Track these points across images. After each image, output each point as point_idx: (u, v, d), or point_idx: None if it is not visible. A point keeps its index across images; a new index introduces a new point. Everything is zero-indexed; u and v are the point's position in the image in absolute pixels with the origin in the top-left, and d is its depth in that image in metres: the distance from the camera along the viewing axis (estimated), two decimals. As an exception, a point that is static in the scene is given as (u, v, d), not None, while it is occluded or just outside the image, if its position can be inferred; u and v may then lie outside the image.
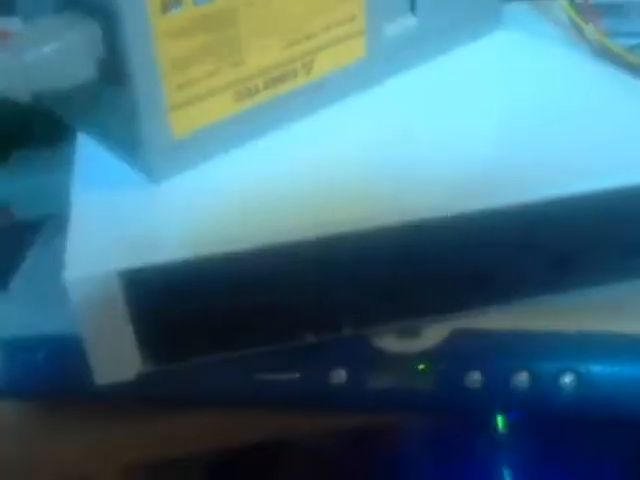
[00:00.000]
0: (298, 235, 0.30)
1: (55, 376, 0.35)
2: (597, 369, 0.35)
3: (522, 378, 0.34)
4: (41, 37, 0.30)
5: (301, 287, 0.32)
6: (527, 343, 0.35)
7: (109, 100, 0.33)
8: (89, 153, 0.36)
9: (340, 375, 0.35)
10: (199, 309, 0.31)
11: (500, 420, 0.50)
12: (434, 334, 0.35)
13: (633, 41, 0.49)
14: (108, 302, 0.30)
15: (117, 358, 0.31)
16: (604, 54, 0.42)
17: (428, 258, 0.33)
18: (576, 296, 0.35)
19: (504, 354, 0.35)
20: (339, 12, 0.36)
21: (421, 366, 0.35)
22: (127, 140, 0.33)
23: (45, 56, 0.30)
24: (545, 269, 0.35)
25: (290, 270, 0.31)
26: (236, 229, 0.31)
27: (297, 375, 0.35)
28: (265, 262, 0.30)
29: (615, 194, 0.33)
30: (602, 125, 0.36)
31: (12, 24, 0.49)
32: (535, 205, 0.32)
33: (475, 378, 0.35)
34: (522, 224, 0.33)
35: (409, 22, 0.39)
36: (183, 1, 0.30)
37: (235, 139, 0.35)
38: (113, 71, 0.31)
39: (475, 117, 0.38)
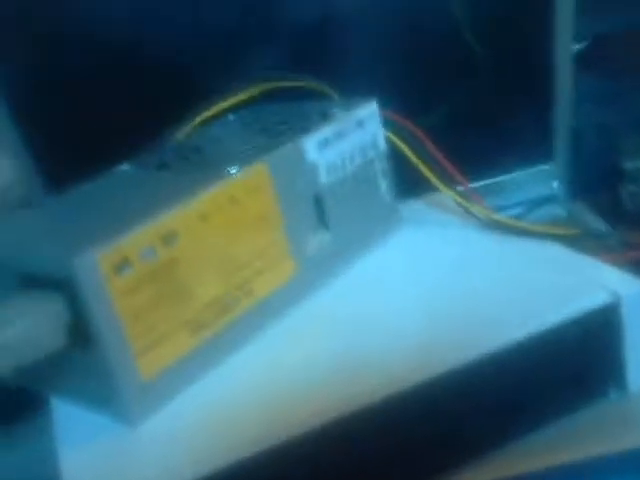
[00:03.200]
0: (291, 431, 0.33)
1: None
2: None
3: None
4: (9, 317, 0.34)
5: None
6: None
7: (79, 360, 0.36)
8: (65, 411, 0.38)
9: None
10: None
11: None
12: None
13: (512, 211, 0.56)
14: None
15: None
16: (493, 226, 0.48)
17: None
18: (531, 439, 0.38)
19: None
20: (263, 242, 0.41)
21: None
22: (100, 392, 0.36)
23: (17, 334, 0.33)
24: (500, 419, 0.39)
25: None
26: (212, 450, 0.33)
27: None
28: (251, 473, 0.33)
29: (534, 339, 0.37)
30: (509, 283, 0.42)
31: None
32: (477, 361, 0.36)
33: None
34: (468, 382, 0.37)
35: (325, 238, 0.45)
36: (132, 262, 0.35)
37: (197, 370, 0.38)
38: (80, 333, 0.34)
39: (400, 300, 0.43)
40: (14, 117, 0.53)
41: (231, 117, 0.51)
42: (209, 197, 0.39)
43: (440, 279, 0.44)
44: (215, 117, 0.51)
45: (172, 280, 0.37)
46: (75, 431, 0.37)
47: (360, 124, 0.47)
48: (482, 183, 0.58)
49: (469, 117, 0.54)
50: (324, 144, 0.44)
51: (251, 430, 0.34)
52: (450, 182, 0.50)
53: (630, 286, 0.39)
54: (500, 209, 0.52)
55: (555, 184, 0.65)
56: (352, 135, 0.46)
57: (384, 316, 0.41)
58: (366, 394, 0.35)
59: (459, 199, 0.50)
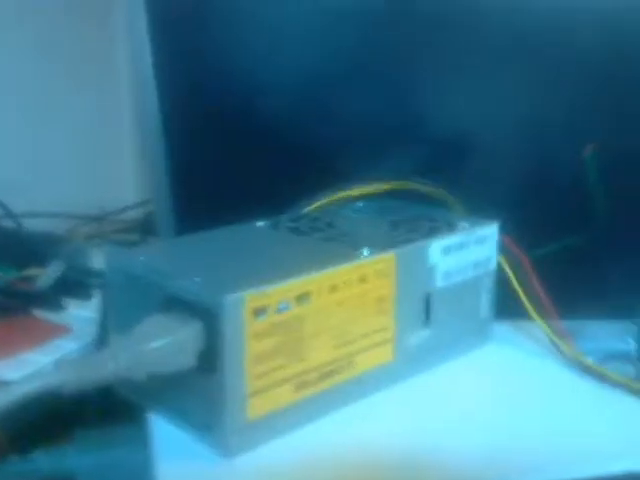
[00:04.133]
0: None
1: None
2: None
3: None
4: (155, 332, 0.38)
5: None
6: None
7: (195, 385, 0.39)
8: (164, 429, 0.42)
9: None
10: None
11: None
12: None
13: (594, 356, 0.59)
14: None
15: None
16: (577, 366, 0.51)
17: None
18: None
19: None
20: (375, 323, 0.45)
21: None
22: (206, 420, 0.39)
23: (159, 348, 0.38)
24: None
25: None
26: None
27: None
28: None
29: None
30: (578, 423, 0.45)
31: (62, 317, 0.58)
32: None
33: None
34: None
35: (424, 334, 0.48)
36: (268, 310, 0.39)
37: (294, 422, 0.42)
38: (207, 361, 0.38)
39: (476, 410, 0.46)
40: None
41: (360, 204, 0.56)
42: (344, 271, 0.43)
43: (512, 402, 0.47)
44: (346, 200, 0.56)
45: (294, 336, 0.41)
46: (173, 450, 0.40)
47: (480, 241, 0.51)
48: (568, 321, 0.61)
49: (575, 259, 0.58)
50: (446, 251, 0.48)
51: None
52: (543, 314, 0.53)
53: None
54: (585, 351, 0.55)
55: (630, 341, 0.67)
56: (471, 249, 0.50)
57: (454, 422, 0.44)
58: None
59: (548, 331, 0.53)
